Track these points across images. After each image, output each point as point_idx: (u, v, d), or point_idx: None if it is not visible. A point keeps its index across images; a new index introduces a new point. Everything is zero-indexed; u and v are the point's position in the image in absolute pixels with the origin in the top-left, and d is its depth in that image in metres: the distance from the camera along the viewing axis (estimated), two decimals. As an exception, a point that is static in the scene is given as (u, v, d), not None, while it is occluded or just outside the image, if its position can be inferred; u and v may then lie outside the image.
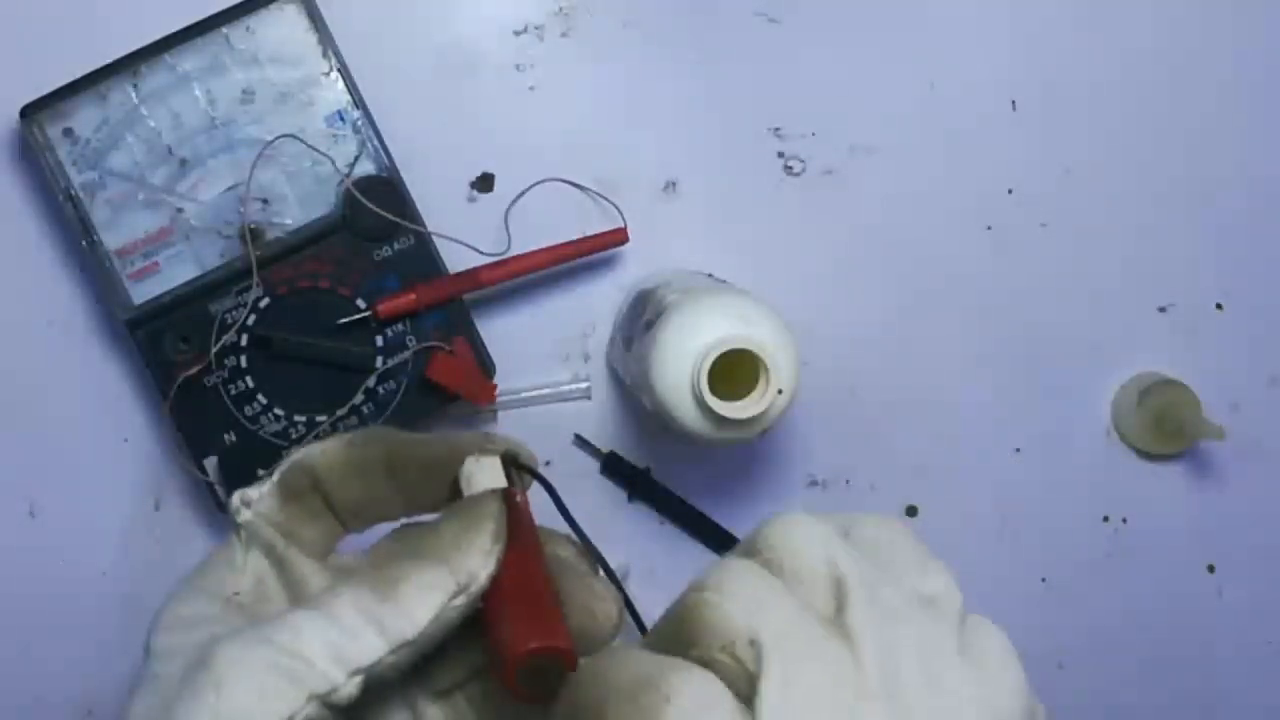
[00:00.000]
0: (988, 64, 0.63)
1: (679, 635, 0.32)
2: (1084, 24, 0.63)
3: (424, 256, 0.57)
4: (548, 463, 0.61)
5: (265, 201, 0.56)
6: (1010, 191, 0.63)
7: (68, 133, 0.55)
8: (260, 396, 0.56)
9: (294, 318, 0.56)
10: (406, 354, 0.57)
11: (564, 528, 0.41)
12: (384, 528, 0.41)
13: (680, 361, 0.49)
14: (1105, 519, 0.65)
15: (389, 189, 0.56)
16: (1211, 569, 0.66)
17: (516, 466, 0.40)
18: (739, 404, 0.49)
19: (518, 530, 0.37)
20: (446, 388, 0.57)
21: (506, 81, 0.60)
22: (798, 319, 0.51)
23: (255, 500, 0.38)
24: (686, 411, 0.50)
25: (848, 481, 0.63)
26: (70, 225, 0.55)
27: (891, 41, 0.62)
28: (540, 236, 0.59)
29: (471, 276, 0.58)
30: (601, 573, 0.41)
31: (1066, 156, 0.64)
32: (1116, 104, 0.64)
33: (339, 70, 0.56)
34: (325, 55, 0.56)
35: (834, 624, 0.31)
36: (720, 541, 0.62)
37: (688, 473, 0.62)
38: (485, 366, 0.58)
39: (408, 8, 0.60)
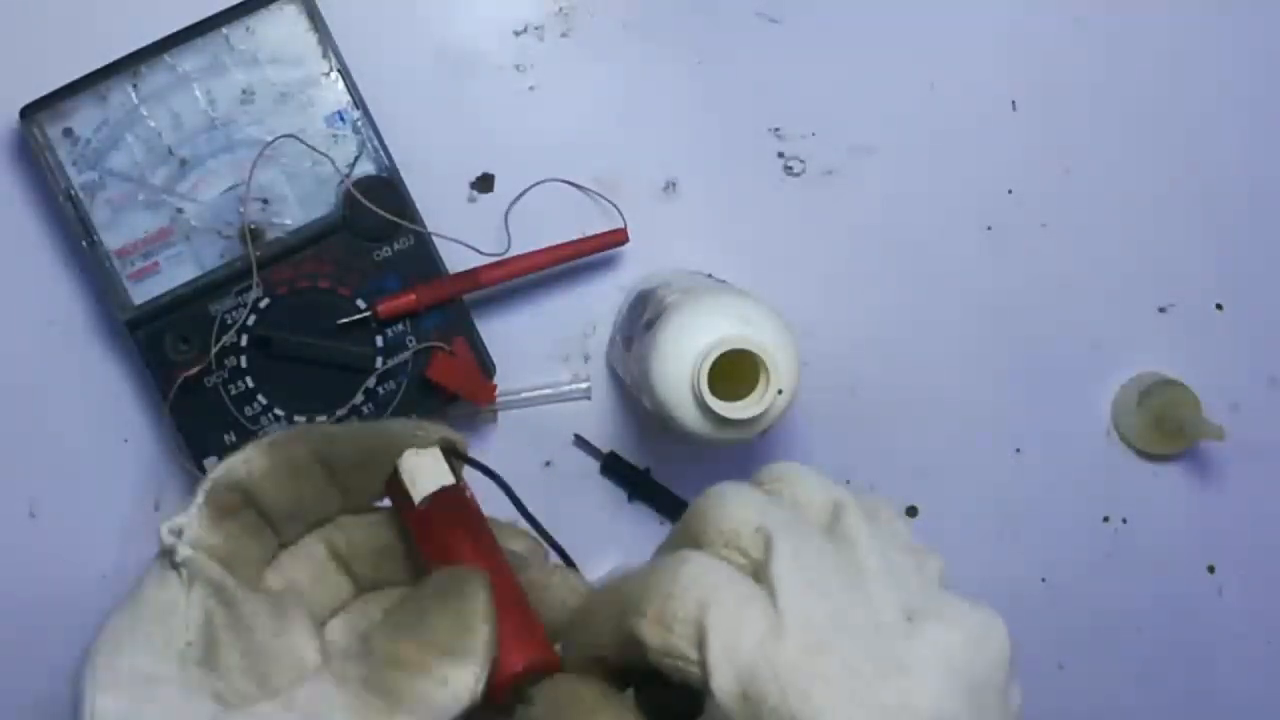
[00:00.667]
0: (988, 64, 0.63)
1: (682, 541, 0.34)
2: (1084, 24, 0.64)
3: (424, 257, 0.57)
4: (548, 463, 0.61)
5: (265, 202, 0.56)
6: (1010, 191, 0.64)
7: (68, 133, 0.55)
8: (260, 397, 0.56)
9: (294, 318, 0.56)
10: (406, 354, 0.57)
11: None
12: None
13: (680, 362, 0.49)
14: (1105, 519, 0.65)
15: (389, 189, 0.56)
16: (1211, 569, 0.66)
17: (456, 456, 0.38)
18: (739, 404, 0.49)
19: (477, 532, 0.36)
20: (446, 388, 0.57)
21: (506, 81, 0.60)
22: (798, 319, 0.51)
23: (186, 527, 0.35)
24: (686, 412, 0.50)
25: (848, 481, 0.63)
26: (70, 225, 0.55)
27: (891, 41, 0.62)
28: (540, 237, 0.59)
29: (471, 277, 0.58)
30: (555, 557, 0.41)
31: (1066, 156, 0.64)
32: (1116, 104, 0.64)
33: (339, 70, 0.56)
34: (325, 55, 0.56)
35: (830, 533, 0.33)
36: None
37: (688, 473, 0.62)
38: (485, 367, 0.58)
39: (408, 8, 0.60)
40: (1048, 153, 0.64)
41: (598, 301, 0.61)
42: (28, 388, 0.59)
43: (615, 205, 0.60)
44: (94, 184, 0.55)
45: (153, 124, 0.55)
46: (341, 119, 0.56)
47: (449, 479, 0.37)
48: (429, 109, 0.60)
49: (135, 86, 0.55)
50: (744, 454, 0.63)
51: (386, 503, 0.39)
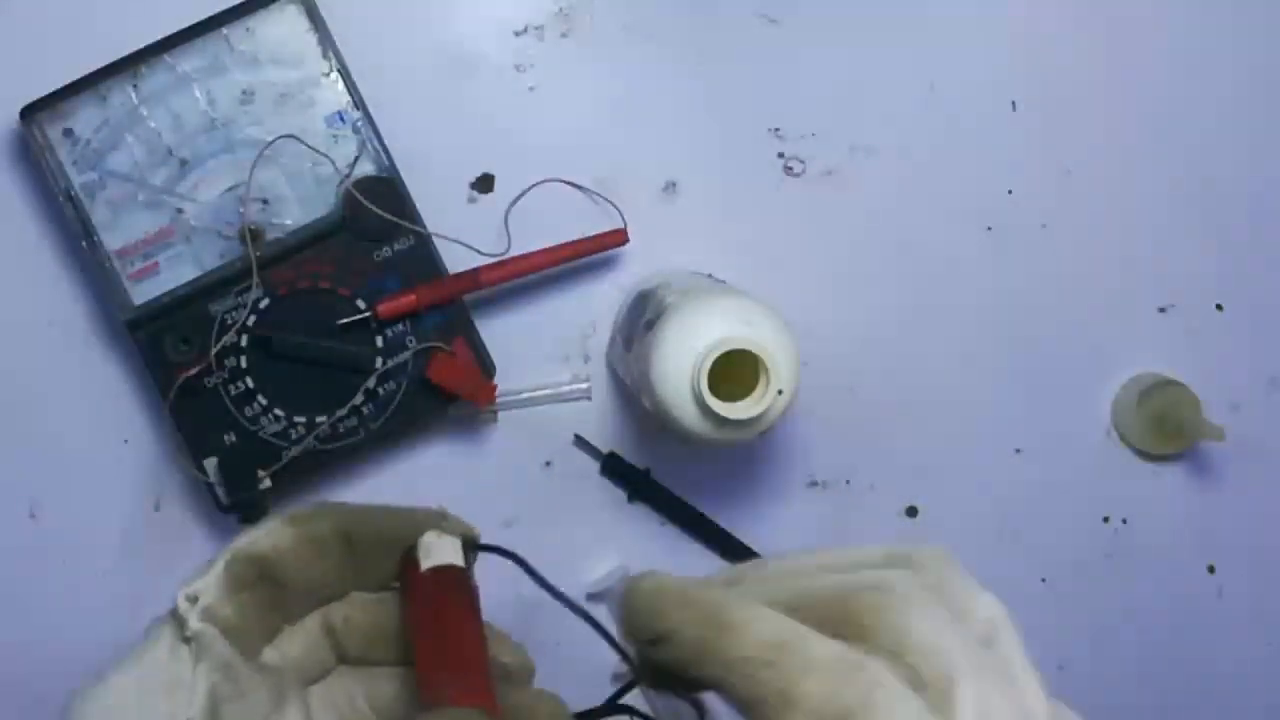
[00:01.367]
0: (988, 64, 0.63)
1: (843, 621, 0.32)
2: (1084, 24, 0.63)
3: (424, 257, 0.57)
4: (548, 463, 0.61)
5: (265, 202, 0.56)
6: (1010, 192, 0.64)
7: (68, 133, 0.55)
8: (260, 397, 0.56)
9: (294, 318, 0.56)
10: (406, 354, 0.57)
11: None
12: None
13: (680, 362, 0.49)
14: (1105, 519, 0.65)
15: (389, 189, 0.56)
16: (1211, 569, 0.66)
17: (475, 548, 0.39)
18: (739, 404, 0.49)
19: (468, 607, 0.37)
20: (446, 388, 0.57)
21: (506, 82, 0.60)
22: (798, 319, 0.51)
23: (202, 594, 0.35)
24: (687, 412, 0.50)
25: (848, 481, 0.63)
26: (70, 226, 0.55)
27: (891, 42, 0.62)
28: (540, 237, 0.59)
29: (471, 277, 0.58)
30: (535, 684, 0.41)
31: (1066, 156, 0.64)
32: (1116, 104, 0.64)
33: (339, 71, 0.56)
34: (325, 56, 0.56)
35: (991, 653, 0.32)
36: (720, 542, 0.62)
37: (688, 473, 0.62)
38: (485, 367, 0.58)
39: (408, 8, 0.60)
40: (1048, 153, 0.64)
41: (598, 302, 0.61)
42: (28, 388, 0.59)
43: (615, 205, 0.60)
44: (94, 184, 0.55)
45: (153, 124, 0.55)
46: (341, 119, 0.56)
47: (459, 562, 0.38)
48: (429, 109, 0.60)
49: (135, 87, 0.55)
50: (744, 454, 0.63)
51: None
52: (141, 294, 0.55)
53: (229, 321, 0.56)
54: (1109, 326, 0.64)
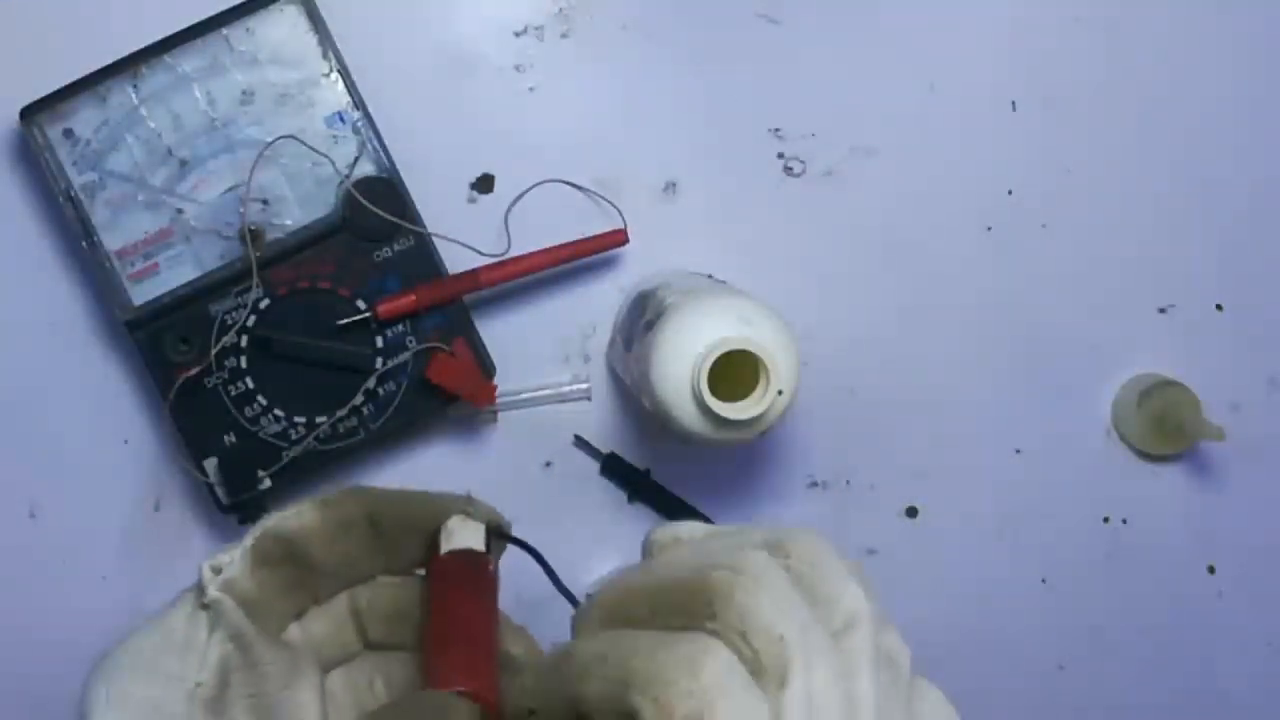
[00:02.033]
0: (988, 64, 0.63)
1: (691, 606, 0.33)
2: (1084, 24, 0.63)
3: (424, 257, 0.57)
4: (548, 464, 0.61)
5: (265, 202, 0.56)
6: (1010, 192, 0.63)
7: (68, 134, 0.55)
8: (260, 397, 0.56)
9: (294, 319, 0.56)
10: (406, 355, 0.57)
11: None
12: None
13: (680, 362, 0.49)
14: (1105, 519, 0.65)
15: (389, 190, 0.56)
16: (1211, 569, 0.66)
17: (499, 536, 0.39)
18: (739, 405, 0.49)
19: (483, 592, 0.37)
20: (446, 389, 0.57)
21: (506, 82, 0.60)
22: (798, 319, 0.51)
23: (226, 567, 0.36)
24: (686, 412, 0.50)
25: (848, 482, 0.63)
26: (70, 226, 0.55)
27: (891, 42, 0.62)
28: (540, 237, 0.59)
29: (471, 277, 0.58)
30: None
31: (1066, 156, 0.64)
32: (1116, 104, 0.64)
33: (339, 71, 0.56)
34: (325, 56, 0.56)
35: (839, 644, 0.32)
36: (720, 542, 0.62)
37: (688, 473, 0.62)
38: (485, 367, 0.58)
39: (408, 8, 0.60)
40: (1048, 153, 0.64)
41: (598, 302, 0.61)
42: (28, 388, 0.59)
43: (615, 206, 0.60)
44: (94, 184, 0.55)
45: (153, 125, 0.55)
46: (341, 120, 0.56)
47: (480, 547, 0.38)
48: (429, 109, 0.60)
49: (135, 87, 0.55)
50: (744, 454, 0.63)
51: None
52: (141, 294, 0.55)
53: (229, 322, 0.56)
54: (1109, 326, 0.64)
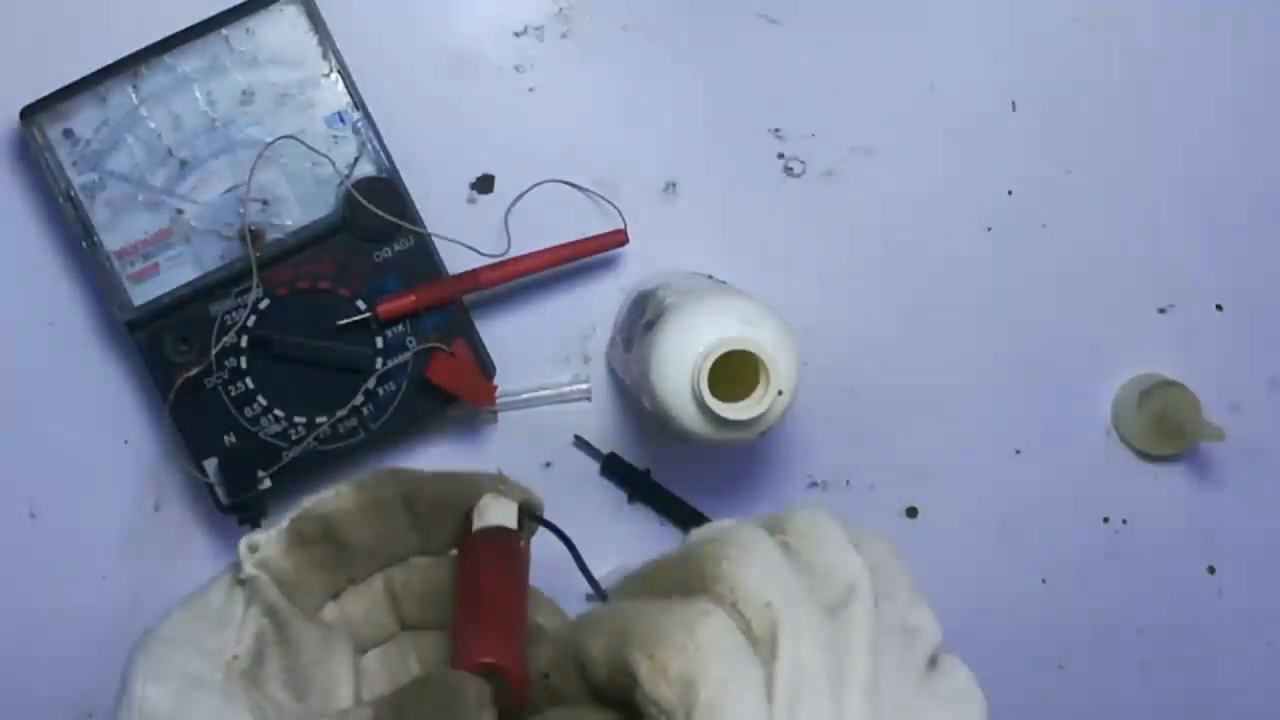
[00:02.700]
0: (988, 64, 0.63)
1: (687, 580, 0.34)
2: (1084, 24, 0.63)
3: (424, 258, 0.57)
4: (548, 464, 0.61)
5: (265, 203, 0.56)
6: (1010, 192, 0.63)
7: (68, 134, 0.55)
8: (260, 398, 0.56)
9: (294, 319, 0.56)
10: (406, 355, 0.57)
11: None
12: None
13: (680, 362, 0.49)
14: (1105, 519, 0.65)
15: (389, 190, 0.56)
16: (1212, 570, 0.66)
17: (531, 517, 0.40)
18: (739, 405, 0.49)
19: (512, 567, 0.38)
20: (446, 389, 0.56)
21: (506, 82, 0.60)
22: (798, 319, 0.51)
23: (264, 545, 0.37)
24: (687, 412, 0.50)
25: (848, 482, 0.63)
26: (70, 226, 0.55)
27: (891, 42, 0.62)
28: (540, 238, 0.59)
29: (471, 278, 0.58)
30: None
31: (1066, 156, 0.64)
32: (1116, 104, 0.64)
33: (339, 71, 0.56)
34: (325, 56, 0.56)
35: (834, 616, 0.33)
36: (720, 542, 0.62)
37: (688, 473, 0.62)
38: (485, 368, 0.58)
39: (408, 8, 0.60)
40: (1048, 153, 0.64)
41: (597, 302, 0.61)
42: (28, 388, 0.59)
43: (615, 206, 0.60)
44: (94, 185, 0.55)
45: (153, 125, 0.55)
46: (341, 120, 0.56)
47: (512, 524, 0.39)
48: (429, 109, 0.60)
49: (135, 87, 0.55)
50: (744, 455, 0.63)
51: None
52: (141, 294, 0.55)
53: (229, 322, 0.56)
54: (1109, 326, 0.64)
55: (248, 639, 0.36)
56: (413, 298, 0.56)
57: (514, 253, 0.58)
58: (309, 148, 0.55)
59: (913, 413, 0.63)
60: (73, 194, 0.55)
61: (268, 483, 0.56)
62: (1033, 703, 0.65)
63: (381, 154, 0.56)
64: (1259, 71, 0.65)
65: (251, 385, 0.56)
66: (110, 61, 0.54)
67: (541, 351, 0.61)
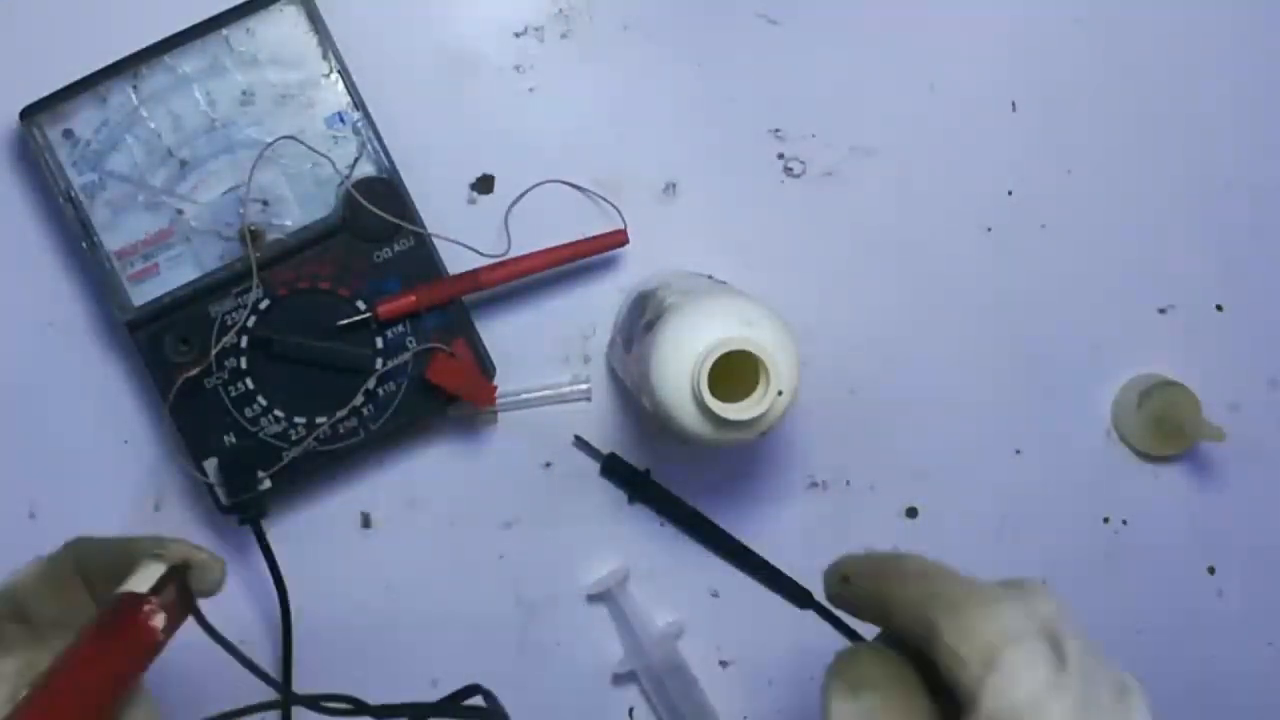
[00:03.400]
0: (988, 65, 0.63)
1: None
2: (1084, 24, 0.63)
3: (424, 258, 0.57)
4: (548, 464, 0.61)
5: (265, 203, 0.56)
6: (1010, 192, 0.63)
7: (67, 134, 0.55)
8: (260, 398, 0.56)
9: (294, 319, 0.56)
10: (406, 355, 0.57)
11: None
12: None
13: (680, 363, 0.49)
14: (1105, 520, 0.65)
15: (389, 190, 0.56)
16: (1212, 570, 0.66)
17: (181, 583, 0.39)
18: (739, 405, 0.49)
19: (115, 636, 0.37)
20: (446, 389, 0.56)
21: (506, 83, 0.60)
22: (798, 319, 0.51)
23: None
24: (686, 413, 0.50)
25: (848, 482, 0.63)
26: (70, 227, 0.55)
27: (891, 43, 0.62)
28: (540, 238, 0.59)
29: (471, 278, 0.58)
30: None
31: (1066, 157, 0.64)
32: (1116, 104, 0.64)
33: (339, 72, 0.56)
34: (325, 57, 0.56)
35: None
36: (720, 542, 0.62)
37: (688, 474, 0.62)
38: (485, 368, 0.58)
39: (408, 9, 0.60)
40: (1048, 153, 0.64)
41: (598, 303, 0.61)
42: (28, 388, 0.59)
43: (615, 206, 0.60)
44: (94, 185, 0.55)
45: (152, 125, 0.55)
46: (341, 120, 0.56)
47: (140, 589, 0.38)
48: (429, 109, 0.60)
49: (135, 88, 0.55)
50: (744, 455, 0.63)
51: None
52: (141, 295, 0.55)
53: (229, 322, 0.56)
54: (1109, 327, 0.64)
55: None
56: (413, 298, 0.56)
57: (514, 253, 0.58)
58: (309, 148, 0.55)
59: (912, 413, 0.63)
60: (73, 194, 0.55)
61: (268, 483, 0.56)
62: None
63: (381, 154, 0.56)
64: (1259, 72, 0.65)
65: (251, 385, 0.56)
66: (110, 62, 0.55)
67: (541, 351, 0.61)
